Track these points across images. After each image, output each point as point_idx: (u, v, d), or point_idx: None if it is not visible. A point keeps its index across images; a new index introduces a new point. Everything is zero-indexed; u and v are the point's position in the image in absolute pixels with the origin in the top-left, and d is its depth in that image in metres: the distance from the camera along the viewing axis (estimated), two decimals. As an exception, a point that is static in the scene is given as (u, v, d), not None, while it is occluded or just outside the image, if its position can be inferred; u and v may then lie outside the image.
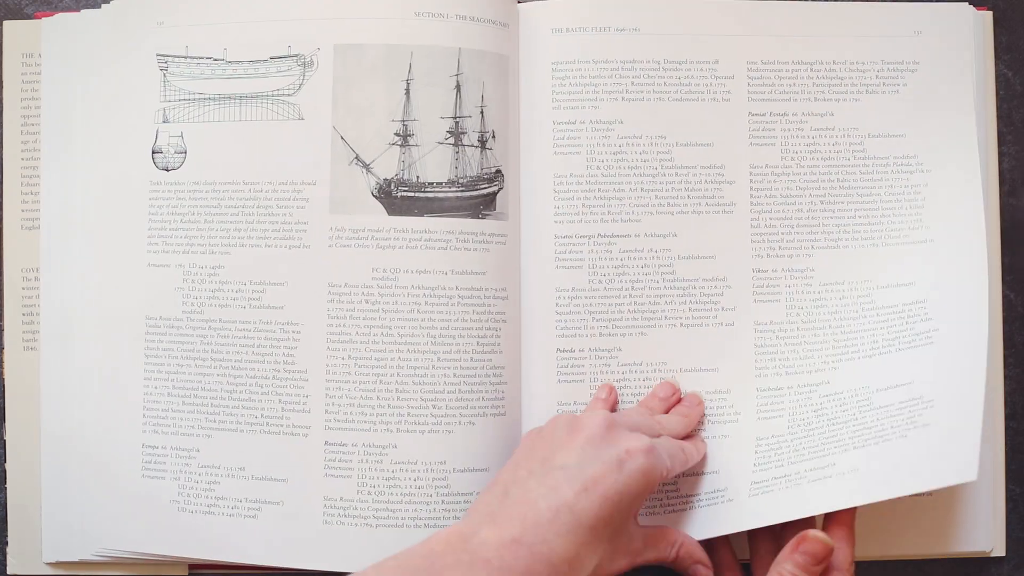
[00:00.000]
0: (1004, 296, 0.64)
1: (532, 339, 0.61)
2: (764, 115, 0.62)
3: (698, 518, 0.59)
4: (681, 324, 0.61)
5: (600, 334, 0.61)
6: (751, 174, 0.62)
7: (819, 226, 0.61)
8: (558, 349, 0.61)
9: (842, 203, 0.62)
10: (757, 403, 0.61)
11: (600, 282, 0.61)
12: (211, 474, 0.60)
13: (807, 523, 0.55)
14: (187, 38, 0.62)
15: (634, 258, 0.61)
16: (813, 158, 0.62)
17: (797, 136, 0.62)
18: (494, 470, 0.59)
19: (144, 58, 0.62)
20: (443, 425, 0.59)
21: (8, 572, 0.62)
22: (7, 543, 0.63)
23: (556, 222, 0.61)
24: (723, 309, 0.61)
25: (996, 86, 0.65)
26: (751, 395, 0.61)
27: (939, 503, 0.62)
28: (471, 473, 0.59)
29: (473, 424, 0.59)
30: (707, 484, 0.60)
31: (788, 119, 0.62)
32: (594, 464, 0.51)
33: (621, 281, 0.61)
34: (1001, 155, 0.65)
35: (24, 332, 0.63)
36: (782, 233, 0.62)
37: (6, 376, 0.64)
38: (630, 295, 0.61)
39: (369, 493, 0.59)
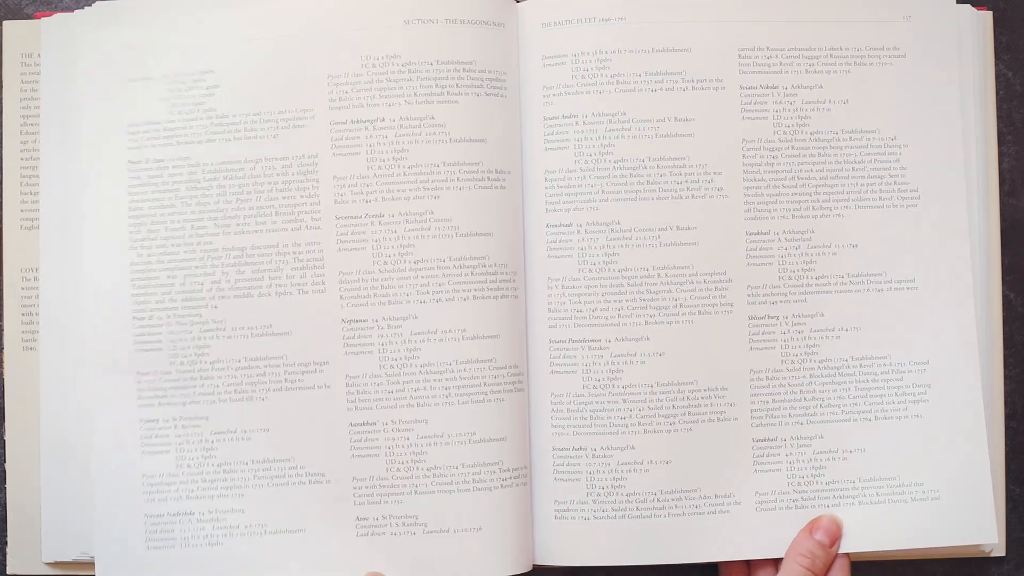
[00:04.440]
0: (1004, 296, 0.64)
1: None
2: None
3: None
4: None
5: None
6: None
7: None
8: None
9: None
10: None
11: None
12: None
13: None
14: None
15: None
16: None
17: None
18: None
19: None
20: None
21: (8, 572, 0.62)
22: (7, 543, 0.63)
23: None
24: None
25: (996, 86, 0.65)
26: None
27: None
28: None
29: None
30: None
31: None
32: None
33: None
34: (1001, 155, 0.65)
35: (24, 332, 0.63)
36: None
37: (6, 376, 0.64)
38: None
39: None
